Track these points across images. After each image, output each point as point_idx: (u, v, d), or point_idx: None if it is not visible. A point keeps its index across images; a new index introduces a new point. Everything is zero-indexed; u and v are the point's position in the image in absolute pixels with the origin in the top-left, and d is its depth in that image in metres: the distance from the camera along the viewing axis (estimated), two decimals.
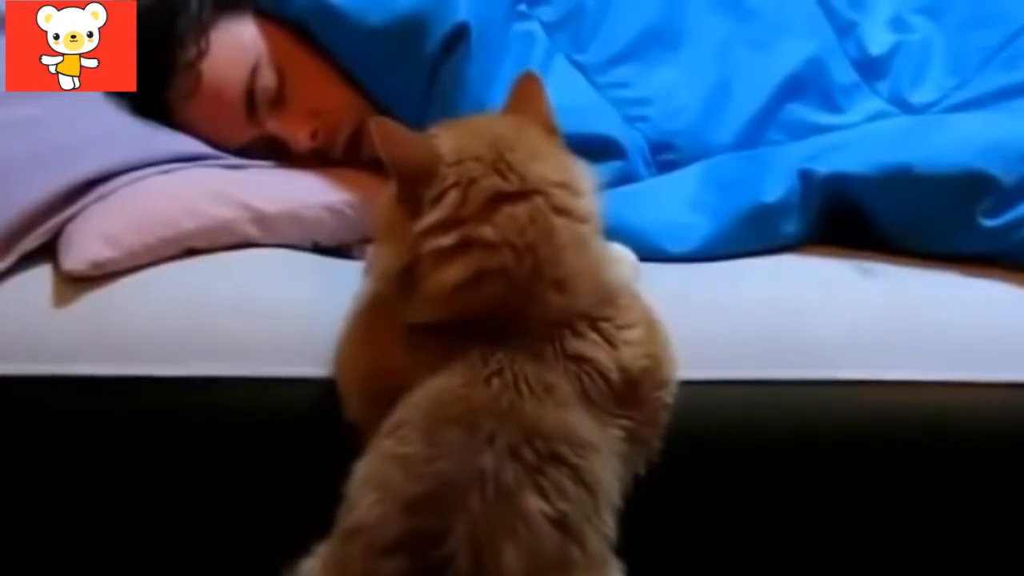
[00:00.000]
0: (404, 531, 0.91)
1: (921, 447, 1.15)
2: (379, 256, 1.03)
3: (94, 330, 1.15)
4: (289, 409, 1.13)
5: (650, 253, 1.20)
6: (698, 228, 1.25)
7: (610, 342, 0.99)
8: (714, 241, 1.24)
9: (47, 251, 1.20)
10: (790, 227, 1.24)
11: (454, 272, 0.95)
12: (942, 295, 1.20)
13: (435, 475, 0.92)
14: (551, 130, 1.02)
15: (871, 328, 1.17)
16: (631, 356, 1.00)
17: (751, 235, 1.24)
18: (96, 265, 1.17)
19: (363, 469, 0.96)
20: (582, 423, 0.96)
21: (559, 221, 0.96)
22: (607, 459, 0.97)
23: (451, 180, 0.96)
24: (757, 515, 1.15)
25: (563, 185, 0.98)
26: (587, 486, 0.94)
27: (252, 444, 1.14)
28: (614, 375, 0.99)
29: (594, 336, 0.99)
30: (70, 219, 1.20)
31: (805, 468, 1.14)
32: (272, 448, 1.14)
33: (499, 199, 0.96)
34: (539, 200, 0.96)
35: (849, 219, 1.25)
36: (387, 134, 0.97)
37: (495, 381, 0.95)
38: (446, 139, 0.99)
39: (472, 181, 0.96)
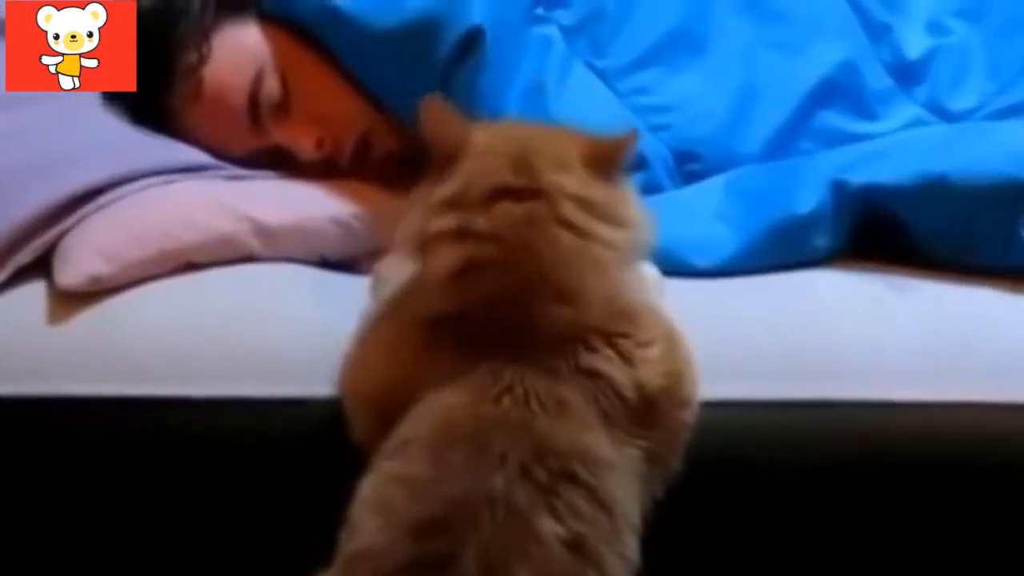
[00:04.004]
0: (412, 556, 0.93)
1: (960, 471, 1.16)
2: (406, 222, 1.05)
3: (91, 348, 1.17)
4: (295, 430, 1.15)
5: (675, 267, 1.21)
6: (725, 241, 1.26)
7: (627, 359, 1.01)
8: (742, 255, 1.26)
9: (41, 266, 1.22)
10: (822, 240, 1.26)
11: (446, 258, 0.99)
12: (981, 311, 1.22)
13: (443, 497, 0.93)
14: (599, 158, 1.03)
15: (906, 346, 1.19)
16: (649, 374, 1.02)
17: (781, 248, 1.26)
18: (93, 280, 1.19)
19: (366, 491, 0.98)
20: (597, 441, 0.98)
21: (562, 232, 0.99)
22: (624, 478, 0.99)
23: (468, 165, 1.01)
24: (785, 539, 1.17)
25: (580, 201, 1.00)
26: (603, 506, 0.96)
27: (255, 466, 1.16)
28: (630, 392, 1.00)
29: (609, 352, 1.01)
30: (66, 232, 1.22)
31: (834, 491, 1.16)
32: (276, 470, 1.16)
33: (502, 193, 0.99)
34: (541, 203, 0.99)
35: (884, 231, 1.26)
36: (431, 112, 1.02)
37: (506, 399, 0.97)
38: (485, 133, 1.03)
39: (486, 171, 1.00)
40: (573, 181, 1.01)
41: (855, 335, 1.20)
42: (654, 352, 1.03)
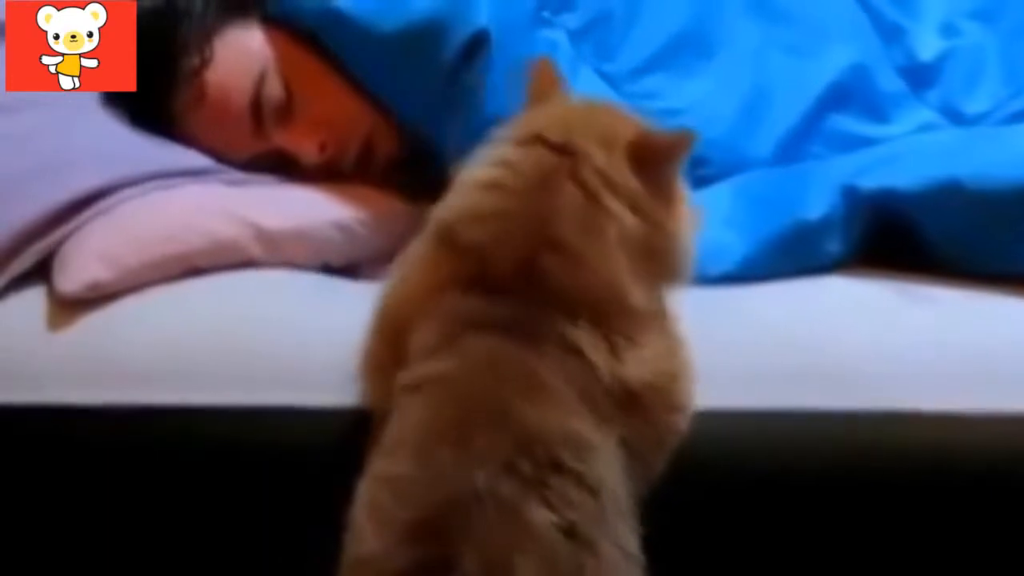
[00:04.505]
0: (411, 562, 0.93)
1: (975, 482, 1.15)
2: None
3: (91, 355, 1.17)
4: (299, 439, 1.15)
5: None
6: (734, 247, 1.26)
7: (615, 355, 1.01)
8: (752, 261, 1.26)
9: (40, 272, 1.22)
10: (833, 246, 1.26)
11: (480, 173, 1.07)
12: (996, 318, 1.21)
13: (431, 499, 0.94)
14: (640, 150, 1.05)
15: (919, 355, 1.18)
16: (635, 372, 1.02)
17: (792, 255, 1.26)
18: (93, 286, 1.19)
19: (362, 494, 0.99)
20: (582, 424, 0.99)
21: (571, 187, 1.03)
22: (610, 460, 1.00)
23: (532, 112, 1.10)
24: (795, 550, 1.16)
25: (604, 176, 1.03)
26: (591, 490, 0.97)
27: (258, 474, 1.15)
28: (609, 381, 1.01)
29: (600, 344, 1.01)
30: (66, 237, 1.22)
31: (844, 502, 1.15)
32: (279, 478, 1.15)
33: (539, 140, 1.06)
34: (566, 160, 1.04)
35: (896, 237, 1.26)
36: (537, 68, 1.13)
37: (491, 376, 0.98)
38: (565, 96, 1.12)
39: (538, 120, 1.08)
40: (605, 159, 1.04)
41: (867, 343, 1.19)
42: (646, 353, 1.03)
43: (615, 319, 1.02)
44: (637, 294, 1.03)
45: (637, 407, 1.02)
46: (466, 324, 1.00)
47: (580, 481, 0.96)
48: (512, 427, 0.96)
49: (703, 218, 1.10)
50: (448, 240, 1.04)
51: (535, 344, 1.00)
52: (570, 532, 0.94)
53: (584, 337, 1.00)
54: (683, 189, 1.08)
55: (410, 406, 1.00)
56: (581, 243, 1.02)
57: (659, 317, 1.06)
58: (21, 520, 1.18)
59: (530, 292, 1.01)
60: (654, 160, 1.05)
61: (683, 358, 1.08)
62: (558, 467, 0.96)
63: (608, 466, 0.99)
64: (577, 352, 1.00)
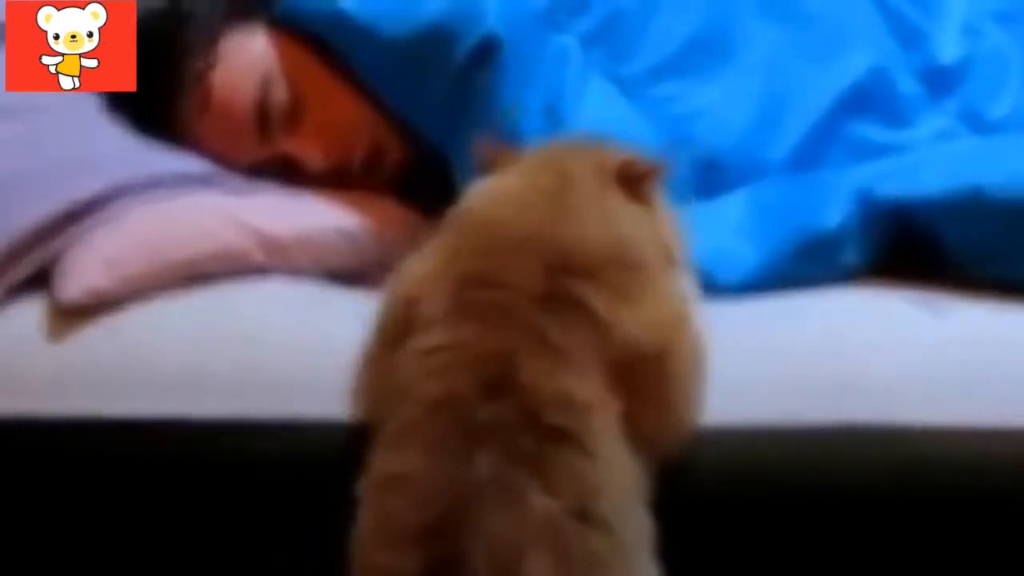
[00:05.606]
0: (420, 565, 0.93)
1: (993, 499, 1.14)
2: None
3: (93, 365, 1.17)
4: (305, 452, 1.14)
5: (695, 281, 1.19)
6: (746, 255, 1.26)
7: (620, 312, 1.01)
8: (766, 270, 1.25)
9: (42, 279, 1.22)
10: (850, 256, 1.25)
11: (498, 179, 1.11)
12: (1017, 331, 1.19)
13: (437, 498, 0.94)
14: (625, 178, 1.09)
15: (940, 369, 1.17)
16: (635, 327, 1.01)
17: (807, 264, 1.25)
18: (93, 293, 1.19)
19: (365, 495, 0.99)
20: (579, 381, 0.99)
21: (580, 185, 1.07)
22: (608, 422, 0.99)
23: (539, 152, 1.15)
24: (808, 566, 1.14)
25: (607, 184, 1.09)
26: (591, 455, 0.97)
27: (264, 489, 1.15)
28: (610, 335, 1.01)
29: (602, 293, 1.01)
30: (66, 244, 1.22)
31: (863, 521, 1.13)
32: (285, 494, 1.15)
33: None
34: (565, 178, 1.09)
35: (915, 247, 1.25)
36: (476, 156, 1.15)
37: (499, 333, 0.99)
38: (542, 149, 1.15)
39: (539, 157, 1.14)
40: (599, 182, 1.08)
41: (886, 357, 1.18)
42: (652, 312, 1.03)
43: (618, 273, 1.03)
44: (648, 248, 1.06)
45: (639, 373, 1.02)
46: (472, 284, 1.01)
47: (580, 447, 0.96)
48: (513, 395, 0.96)
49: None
50: (460, 223, 1.07)
51: (541, 301, 1.00)
52: (579, 514, 0.94)
53: (589, 291, 1.01)
54: (662, 202, 1.12)
55: (420, 378, 1.00)
56: (593, 203, 1.06)
57: (667, 283, 1.08)
58: (19, 531, 1.17)
59: (539, 252, 1.02)
60: (638, 181, 1.09)
61: (693, 336, 1.07)
62: (558, 436, 0.96)
63: (607, 429, 0.99)
64: (585, 310, 1.00)
